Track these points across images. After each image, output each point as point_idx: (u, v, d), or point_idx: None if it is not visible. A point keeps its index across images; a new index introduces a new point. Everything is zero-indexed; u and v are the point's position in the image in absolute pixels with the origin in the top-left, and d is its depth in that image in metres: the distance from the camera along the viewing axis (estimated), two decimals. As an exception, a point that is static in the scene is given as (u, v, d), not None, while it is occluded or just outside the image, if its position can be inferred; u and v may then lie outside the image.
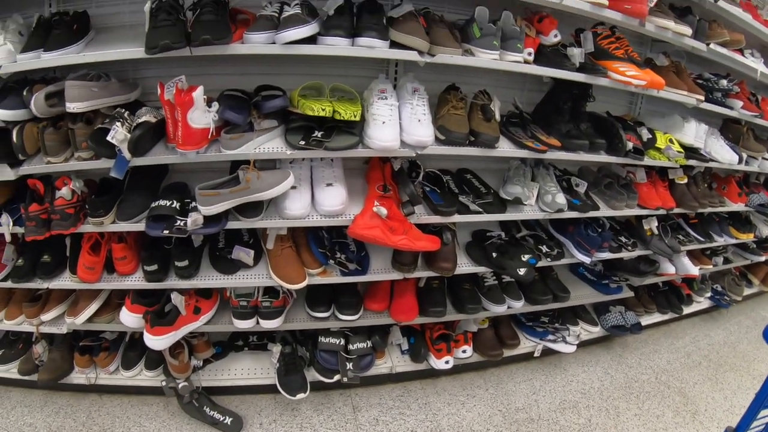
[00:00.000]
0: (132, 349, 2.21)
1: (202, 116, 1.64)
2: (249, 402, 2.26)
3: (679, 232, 2.87)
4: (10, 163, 1.71)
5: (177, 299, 1.94)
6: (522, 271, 2.11)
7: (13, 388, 2.23)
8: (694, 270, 2.89)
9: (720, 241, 3.03)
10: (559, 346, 2.56)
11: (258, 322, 2.06)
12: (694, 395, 2.60)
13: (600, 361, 2.80)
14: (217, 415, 2.10)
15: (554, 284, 2.56)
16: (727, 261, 3.35)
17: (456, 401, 2.39)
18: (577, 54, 2.00)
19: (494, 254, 2.18)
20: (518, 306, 2.39)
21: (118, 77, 1.86)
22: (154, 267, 1.90)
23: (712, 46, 2.33)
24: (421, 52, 1.73)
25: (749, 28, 2.52)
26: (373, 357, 2.27)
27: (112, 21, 1.92)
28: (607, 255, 2.47)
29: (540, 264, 2.26)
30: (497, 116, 2.03)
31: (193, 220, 1.72)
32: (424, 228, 2.05)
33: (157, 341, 1.92)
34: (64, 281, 1.94)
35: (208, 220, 1.76)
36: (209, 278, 1.98)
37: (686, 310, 3.18)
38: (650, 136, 2.36)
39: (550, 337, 2.58)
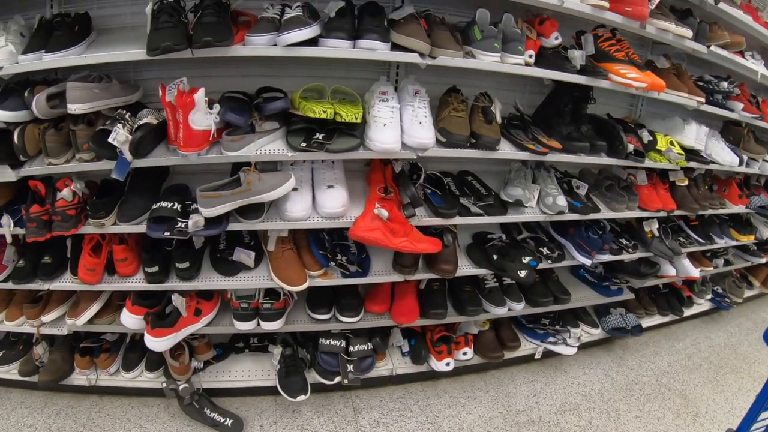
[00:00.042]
0: (132, 351, 2.21)
1: (203, 118, 1.64)
2: (249, 404, 2.25)
3: (679, 234, 2.87)
4: (11, 164, 1.72)
5: (178, 301, 1.94)
6: (523, 273, 2.11)
7: (13, 389, 2.23)
8: (695, 272, 2.89)
9: (720, 243, 3.03)
10: (559, 348, 2.56)
11: (259, 324, 2.06)
12: (695, 397, 2.60)
13: (601, 363, 2.80)
14: (217, 417, 2.10)
15: (555, 286, 2.56)
16: (727, 263, 3.36)
17: (457, 403, 2.39)
18: (578, 56, 2.01)
19: (495, 256, 2.18)
20: (519, 308, 2.38)
21: (119, 79, 1.87)
22: (155, 268, 1.90)
23: (712, 48, 2.34)
24: (422, 55, 1.73)
25: (750, 30, 2.53)
26: (373, 359, 2.27)
27: (113, 22, 1.92)
28: (607, 257, 2.47)
29: (541, 266, 2.26)
30: (498, 118, 2.04)
31: (194, 222, 1.72)
32: (425, 230, 2.05)
33: (157, 343, 1.92)
34: (65, 282, 1.94)
35: (209, 221, 1.76)
36: (210, 280, 1.98)
37: (687, 312, 3.18)
38: (651, 138, 2.37)
39: (551, 339, 2.58)
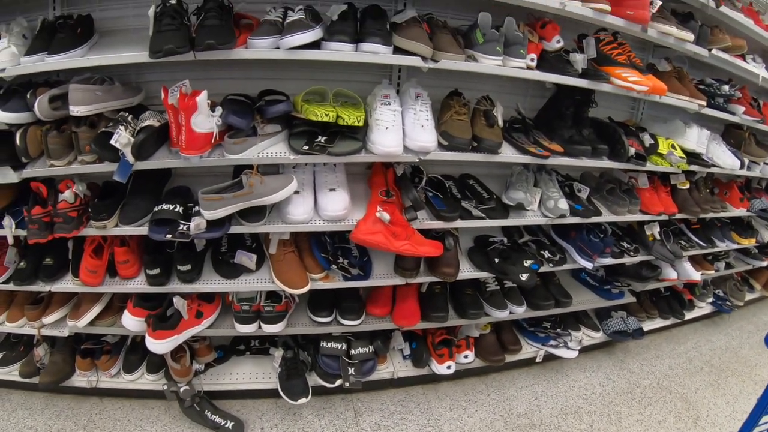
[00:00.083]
0: (133, 353, 2.21)
1: (205, 121, 1.64)
2: (250, 406, 2.25)
3: (680, 238, 2.87)
4: (13, 165, 1.71)
5: (179, 303, 1.94)
6: (524, 277, 2.10)
7: (14, 390, 2.22)
8: (696, 275, 2.89)
9: (722, 246, 3.03)
10: (560, 352, 2.56)
11: (260, 327, 2.06)
12: (696, 401, 2.60)
13: (602, 366, 2.80)
14: (218, 420, 2.10)
15: (556, 289, 2.56)
16: (728, 266, 3.36)
17: (458, 406, 2.38)
18: (579, 60, 2.01)
19: (496, 259, 2.18)
20: (520, 311, 2.39)
21: (121, 81, 1.86)
22: (157, 271, 1.90)
23: (714, 51, 2.34)
24: (424, 58, 1.73)
25: (751, 34, 2.54)
26: (375, 362, 2.27)
27: (115, 25, 1.93)
28: (609, 260, 2.47)
29: (542, 269, 2.26)
30: (500, 122, 2.04)
31: (196, 225, 1.72)
32: (427, 233, 2.04)
33: (159, 345, 1.92)
34: (67, 284, 1.94)
35: (211, 224, 1.76)
36: (211, 282, 1.98)
37: (688, 316, 3.18)
38: (652, 141, 2.37)
39: (552, 342, 2.58)
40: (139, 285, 1.95)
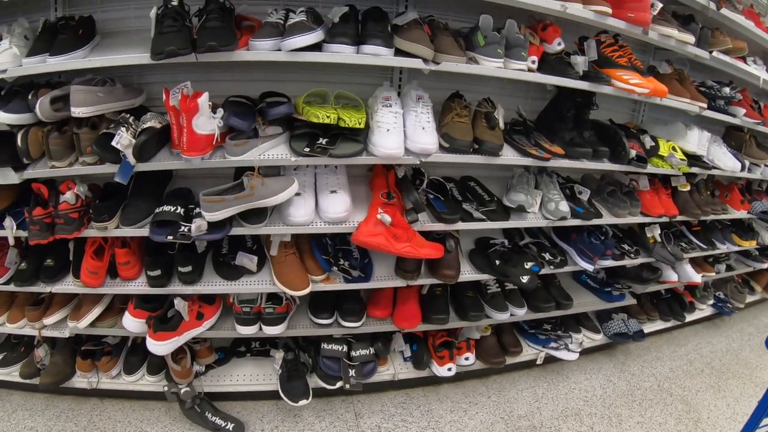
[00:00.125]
0: (134, 354, 2.21)
1: (207, 122, 1.64)
2: (251, 408, 2.25)
3: (681, 240, 2.87)
4: (14, 166, 1.72)
5: (180, 305, 1.94)
6: (525, 279, 2.10)
7: (14, 391, 2.23)
8: (697, 277, 2.89)
9: (722, 248, 3.03)
10: (561, 354, 2.56)
11: (261, 329, 2.06)
12: (697, 403, 2.60)
13: (602, 368, 2.80)
14: (219, 421, 2.10)
15: (557, 292, 2.55)
16: (729, 268, 3.36)
17: (458, 408, 2.38)
18: (580, 62, 2.01)
19: (497, 262, 2.18)
20: (521, 313, 2.38)
21: (123, 82, 1.86)
22: (158, 272, 1.90)
23: (714, 53, 2.34)
24: (425, 60, 1.73)
25: (752, 36, 2.54)
26: (375, 364, 2.27)
27: (117, 26, 1.93)
28: (609, 263, 2.47)
29: (543, 271, 2.26)
30: (501, 124, 2.04)
31: (197, 226, 1.72)
32: (428, 235, 2.04)
33: (159, 346, 1.92)
34: (67, 285, 1.94)
35: (212, 226, 1.76)
36: (212, 284, 1.98)
37: (689, 318, 3.18)
38: (653, 143, 2.37)
39: (553, 344, 2.58)
40: (139, 286, 1.95)
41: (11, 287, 1.94)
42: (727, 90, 2.61)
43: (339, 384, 2.17)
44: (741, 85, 2.73)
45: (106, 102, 1.72)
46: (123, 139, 1.59)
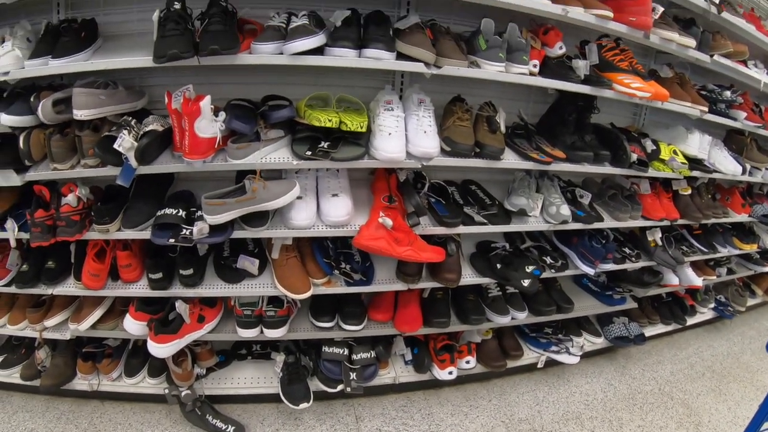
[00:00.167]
0: (135, 357, 2.21)
1: (209, 126, 1.64)
2: (252, 411, 2.25)
3: (682, 243, 2.87)
4: (16, 168, 1.72)
5: (181, 307, 1.94)
6: (526, 283, 2.11)
7: (14, 392, 2.22)
8: (698, 281, 2.88)
9: (723, 251, 3.03)
10: (562, 357, 2.56)
11: (262, 332, 2.06)
12: (698, 406, 2.59)
13: (603, 372, 2.79)
14: (219, 424, 2.09)
15: (558, 295, 2.56)
16: (730, 272, 3.36)
17: (459, 412, 2.38)
18: (581, 66, 2.01)
19: (498, 265, 2.18)
20: (522, 317, 2.38)
21: (125, 85, 1.87)
22: (159, 275, 1.90)
23: (715, 57, 2.35)
24: (427, 64, 1.74)
25: (753, 39, 2.54)
26: (376, 367, 2.27)
27: (119, 29, 1.93)
28: (611, 266, 2.47)
29: (544, 275, 2.26)
30: (502, 128, 2.04)
31: (198, 229, 1.72)
32: (429, 239, 2.05)
33: (160, 349, 1.92)
34: (69, 287, 1.94)
35: (214, 229, 1.76)
36: (214, 287, 1.98)
37: (690, 321, 3.18)
38: (654, 147, 2.37)
39: (554, 348, 2.57)
40: (141, 289, 1.95)
41: (12, 289, 1.94)
42: (728, 93, 2.61)
43: (340, 387, 2.16)
44: (742, 89, 2.73)
45: (108, 105, 1.72)
46: (125, 142, 1.60)
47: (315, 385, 2.21)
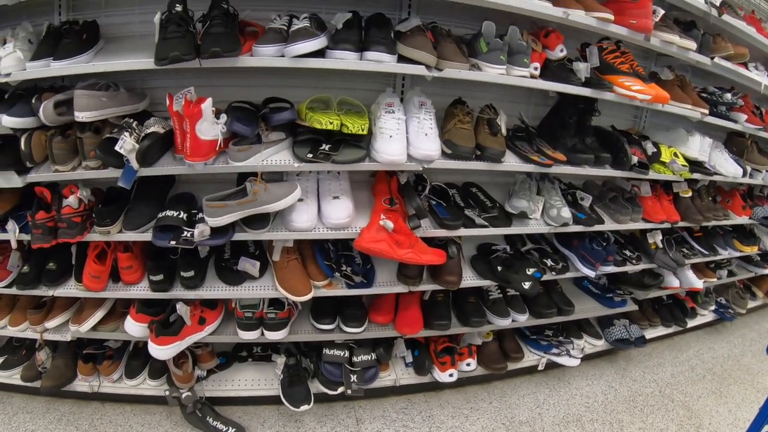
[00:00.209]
0: (136, 358, 2.21)
1: (210, 128, 1.64)
2: (252, 413, 2.25)
3: (683, 246, 2.87)
4: (17, 170, 1.73)
5: (182, 309, 1.94)
6: (527, 285, 2.10)
7: (15, 394, 2.22)
8: (699, 283, 2.88)
9: (724, 254, 3.03)
10: (563, 360, 2.55)
11: (263, 334, 2.06)
12: (698, 409, 2.59)
13: (604, 374, 2.79)
14: (220, 426, 2.09)
15: (558, 297, 2.55)
16: (731, 274, 3.36)
17: (460, 414, 2.38)
18: (582, 69, 2.01)
19: (499, 268, 2.18)
20: (522, 319, 2.38)
21: (126, 87, 1.87)
22: (160, 277, 1.90)
23: (716, 59, 2.35)
24: (428, 67, 1.74)
25: (753, 42, 2.55)
26: (377, 369, 2.27)
27: (121, 31, 1.94)
28: (611, 269, 2.47)
29: (545, 277, 2.27)
30: (503, 130, 2.04)
31: (200, 232, 1.72)
32: (430, 241, 2.05)
33: (161, 351, 1.92)
34: (70, 289, 1.95)
35: (215, 231, 1.77)
36: (215, 289, 1.99)
37: (690, 323, 3.17)
38: (655, 150, 2.37)
39: (554, 350, 2.57)
40: (142, 291, 1.95)
41: (13, 290, 1.95)
42: (728, 96, 2.61)
43: (340, 389, 2.16)
44: (742, 91, 2.74)
45: (110, 106, 1.72)
46: (126, 144, 1.60)
47: (315, 387, 2.21)
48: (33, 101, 1.67)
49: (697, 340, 3.27)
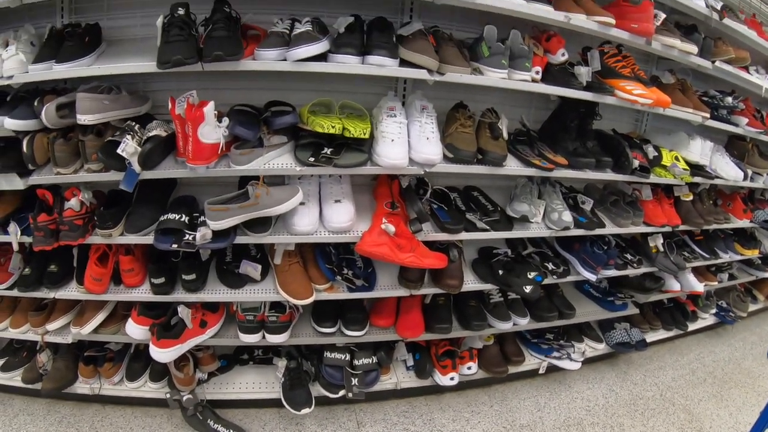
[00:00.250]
0: (137, 361, 2.21)
1: (212, 131, 1.64)
2: (253, 416, 2.25)
3: (684, 249, 2.87)
4: (19, 172, 1.73)
5: (183, 312, 1.94)
6: (528, 289, 2.11)
7: (16, 395, 2.22)
8: (699, 287, 2.88)
9: (725, 257, 3.03)
10: (564, 363, 2.55)
11: (264, 337, 2.06)
12: (699, 412, 2.59)
13: (605, 378, 2.79)
14: (221, 429, 2.09)
15: (560, 301, 2.55)
16: (732, 277, 3.36)
17: (460, 417, 2.38)
18: (584, 73, 2.01)
19: (500, 271, 2.18)
20: (523, 323, 2.38)
21: (128, 90, 1.87)
22: (161, 280, 1.90)
23: (717, 63, 2.35)
24: (430, 71, 1.74)
25: (754, 45, 2.55)
26: (378, 373, 2.26)
27: (123, 33, 1.94)
28: (612, 272, 2.47)
29: (546, 281, 2.27)
30: (505, 134, 2.04)
31: (201, 235, 1.72)
32: (431, 245, 2.04)
33: (162, 354, 1.91)
34: (71, 291, 1.94)
35: (217, 234, 1.76)
36: (216, 292, 1.98)
37: (691, 327, 3.17)
38: (656, 153, 2.37)
39: (555, 354, 2.57)
40: (143, 293, 1.95)
41: (15, 292, 1.95)
42: (729, 99, 2.62)
43: (341, 392, 2.16)
44: (743, 95, 2.74)
45: (112, 109, 1.72)
46: (128, 147, 1.60)
47: (317, 390, 2.20)
48: (35, 104, 1.67)
49: (698, 343, 3.27)
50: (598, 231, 2.29)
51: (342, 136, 1.74)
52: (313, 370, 2.25)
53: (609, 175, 2.24)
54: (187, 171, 1.71)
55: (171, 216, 1.79)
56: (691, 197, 2.69)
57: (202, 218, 1.78)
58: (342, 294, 2.03)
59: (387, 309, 2.22)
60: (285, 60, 1.63)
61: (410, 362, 2.42)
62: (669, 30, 2.12)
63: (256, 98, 1.94)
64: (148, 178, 1.72)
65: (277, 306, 2.07)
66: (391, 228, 1.83)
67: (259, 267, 1.99)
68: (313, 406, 2.11)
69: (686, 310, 3.18)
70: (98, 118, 1.66)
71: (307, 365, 2.26)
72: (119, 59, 1.69)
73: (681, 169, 2.38)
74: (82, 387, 2.15)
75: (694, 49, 2.16)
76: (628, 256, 2.57)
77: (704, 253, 2.91)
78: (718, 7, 2.22)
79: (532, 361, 2.61)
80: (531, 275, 2.15)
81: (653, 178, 2.35)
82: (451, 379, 2.30)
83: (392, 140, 1.79)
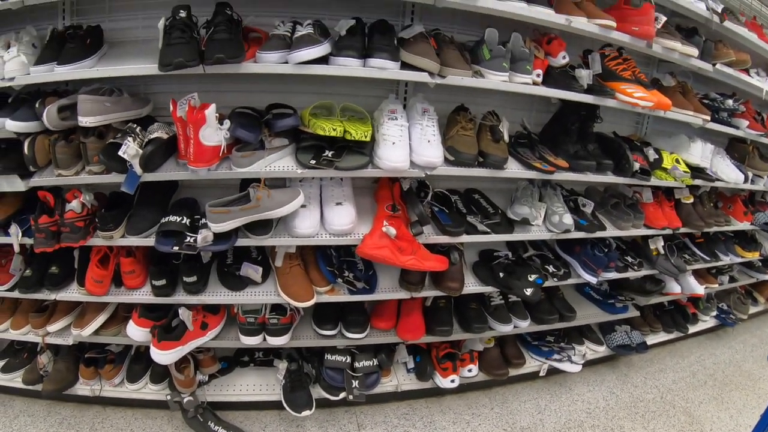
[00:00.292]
0: (137, 362, 2.21)
1: (213, 134, 1.65)
2: (254, 418, 2.25)
3: (684, 252, 2.87)
4: (21, 174, 1.73)
5: (184, 314, 1.94)
6: (528, 291, 2.11)
7: (16, 397, 2.22)
8: (700, 289, 2.88)
9: (726, 260, 3.02)
10: (564, 366, 2.55)
11: (265, 339, 2.06)
12: (700, 415, 2.59)
13: (605, 380, 2.79)
14: (221, 431, 2.09)
15: (560, 304, 2.55)
16: (732, 280, 3.35)
17: (461, 420, 2.38)
18: (585, 75, 2.02)
19: (501, 274, 2.18)
20: (524, 325, 2.38)
21: (130, 92, 1.87)
22: (163, 282, 1.90)
23: (718, 66, 2.36)
24: (431, 74, 1.74)
25: (755, 48, 2.56)
26: (378, 375, 2.26)
27: (124, 36, 1.94)
28: (613, 275, 2.47)
29: (546, 284, 2.26)
30: (506, 137, 2.04)
31: (203, 237, 1.72)
32: (432, 248, 2.04)
33: (163, 356, 1.92)
34: (72, 293, 1.95)
35: (218, 237, 1.76)
36: (217, 294, 1.98)
37: (692, 329, 3.17)
38: (657, 156, 2.37)
39: (556, 356, 2.57)
40: (144, 295, 1.95)
41: (15, 294, 1.95)
42: (730, 102, 2.62)
43: (342, 395, 2.16)
44: (744, 97, 2.75)
45: (114, 111, 1.73)
46: (130, 149, 1.60)
47: (317, 392, 2.20)
48: (36, 105, 1.67)
49: (698, 345, 3.27)
50: (599, 234, 2.29)
51: (343, 139, 1.74)
52: (314, 372, 2.25)
53: (610, 178, 2.24)
54: (189, 173, 1.71)
55: (172, 218, 1.79)
56: (691, 200, 2.69)
57: (204, 220, 1.79)
58: (343, 296, 2.02)
59: (388, 311, 2.22)
60: (286, 63, 1.64)
61: (411, 364, 2.41)
62: (670, 33, 2.12)
63: (257, 101, 1.94)
64: (150, 180, 1.72)
65: (278, 308, 2.07)
66: (392, 231, 1.83)
67: (260, 269, 1.99)
68: (313, 408, 2.11)
69: (687, 312, 3.18)
70: (100, 120, 1.67)
71: (308, 367, 2.25)
72: (121, 61, 1.69)
73: (681, 172, 2.38)
74: (82, 388, 2.15)
75: (694, 51, 2.16)
76: (629, 259, 2.56)
77: (705, 256, 2.91)
78: (719, 10, 2.22)
79: (532, 363, 2.61)
80: (532, 278, 2.15)
81: (654, 181, 2.35)
82: (452, 381, 2.29)
83: (393, 143, 1.79)
